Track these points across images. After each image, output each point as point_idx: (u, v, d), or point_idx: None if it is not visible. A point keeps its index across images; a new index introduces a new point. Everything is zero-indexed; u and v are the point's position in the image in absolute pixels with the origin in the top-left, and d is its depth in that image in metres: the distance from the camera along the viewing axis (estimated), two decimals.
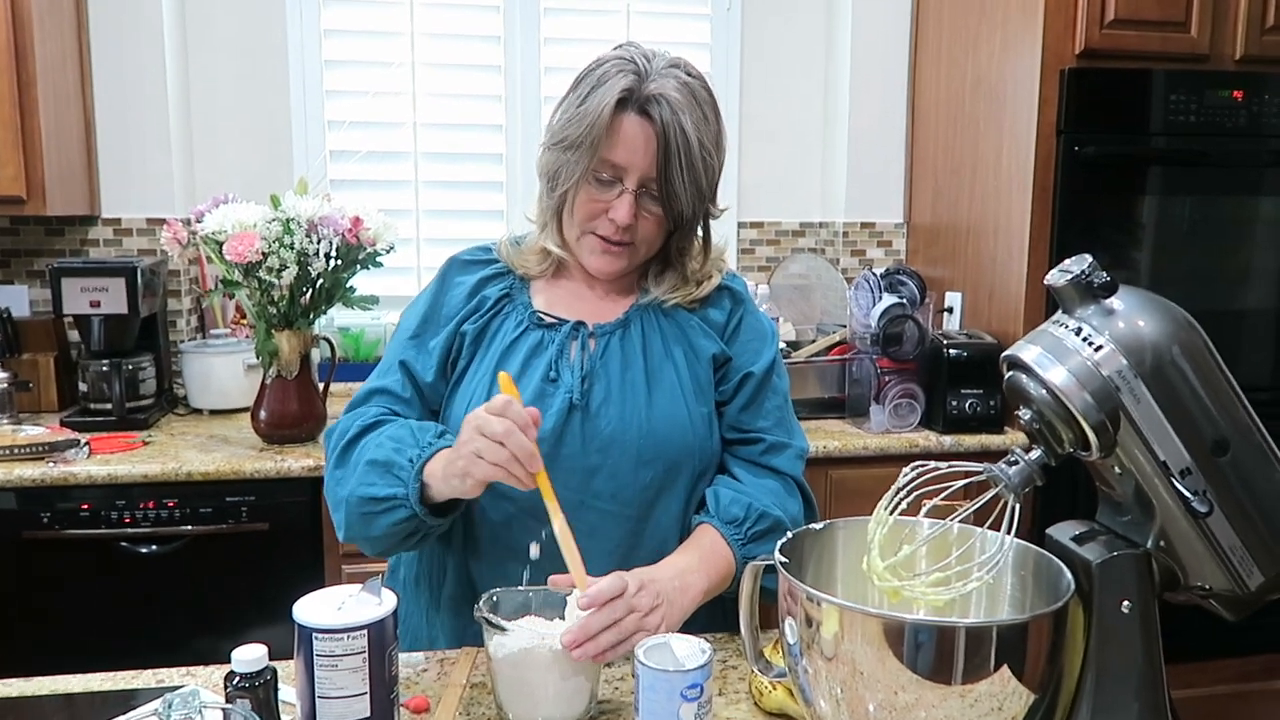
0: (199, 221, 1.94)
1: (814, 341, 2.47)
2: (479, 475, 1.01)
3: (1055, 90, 2.15)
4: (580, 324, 1.22)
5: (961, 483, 0.82)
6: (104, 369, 2.18)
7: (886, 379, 2.23)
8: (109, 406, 2.17)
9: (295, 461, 1.95)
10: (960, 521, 0.86)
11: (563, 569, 1.02)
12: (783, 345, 2.42)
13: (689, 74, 1.16)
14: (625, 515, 1.17)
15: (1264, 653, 2.36)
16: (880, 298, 2.25)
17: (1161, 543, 0.81)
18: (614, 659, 0.97)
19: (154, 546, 1.93)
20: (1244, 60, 2.21)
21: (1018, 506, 0.82)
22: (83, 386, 2.22)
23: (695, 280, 1.26)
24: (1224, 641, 2.28)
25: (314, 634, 0.86)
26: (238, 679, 0.84)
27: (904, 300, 2.24)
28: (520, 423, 0.99)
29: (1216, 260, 2.27)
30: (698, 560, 1.12)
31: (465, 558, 1.20)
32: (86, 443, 1.97)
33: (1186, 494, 0.78)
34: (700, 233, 1.26)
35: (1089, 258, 0.80)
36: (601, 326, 1.22)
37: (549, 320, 1.22)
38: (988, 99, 2.36)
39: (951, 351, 2.22)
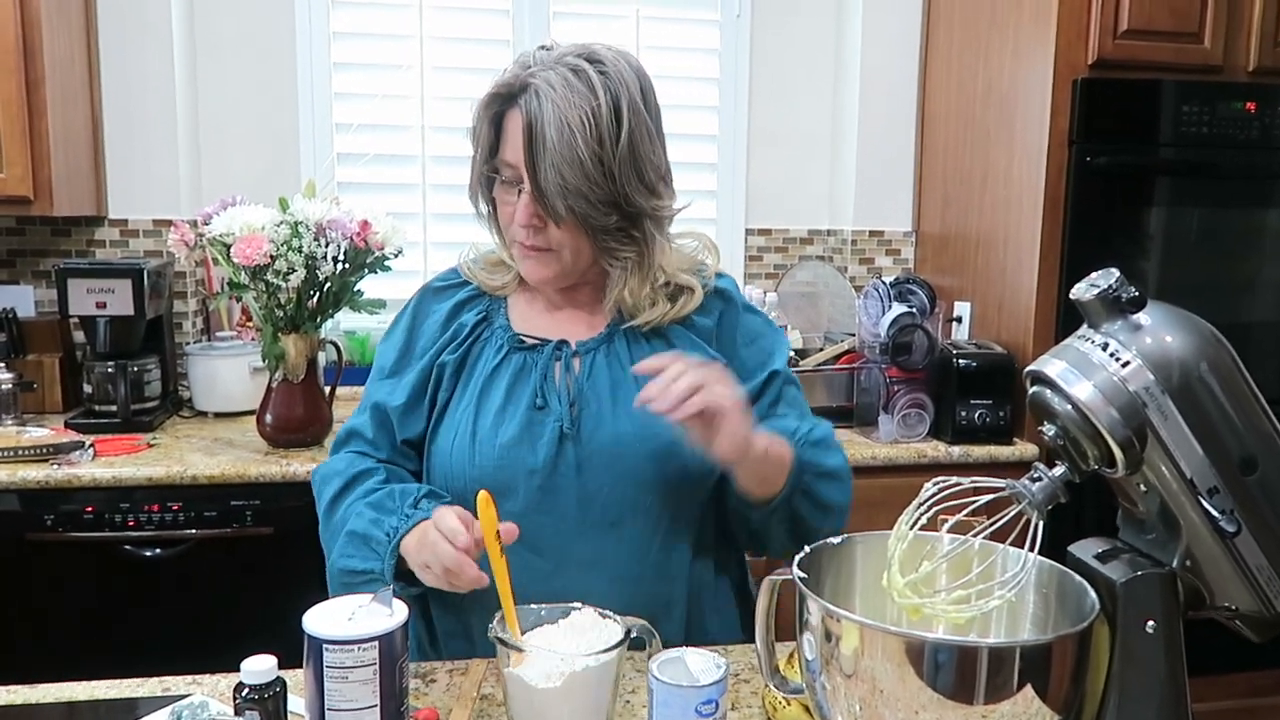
0: (206, 224, 1.93)
1: (821, 350, 2.46)
2: (429, 583, 1.03)
3: (1067, 100, 2.14)
4: (563, 342, 1.18)
5: (984, 499, 0.81)
6: (109, 371, 2.17)
7: (895, 389, 2.22)
8: (114, 408, 2.16)
9: (300, 466, 1.94)
10: (982, 538, 0.85)
11: None
12: (790, 354, 2.41)
13: (592, 60, 1.08)
14: (628, 539, 1.14)
15: (1276, 667, 2.34)
16: (890, 307, 2.24)
17: (1187, 562, 0.80)
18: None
19: (158, 550, 1.91)
20: (1257, 72, 2.21)
21: (1041, 524, 0.80)
22: (87, 388, 2.21)
23: (666, 295, 1.18)
24: (1236, 656, 2.25)
25: (324, 645, 0.85)
26: (247, 690, 0.83)
27: (913, 309, 2.23)
28: (465, 546, 0.97)
29: (1227, 272, 2.26)
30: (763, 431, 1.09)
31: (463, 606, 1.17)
32: (91, 445, 1.96)
33: (1214, 513, 0.77)
34: (642, 233, 1.14)
35: (1116, 272, 0.78)
36: (584, 344, 1.18)
37: (530, 341, 1.19)
38: (998, 108, 2.35)
39: (961, 362, 2.21)
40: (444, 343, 1.20)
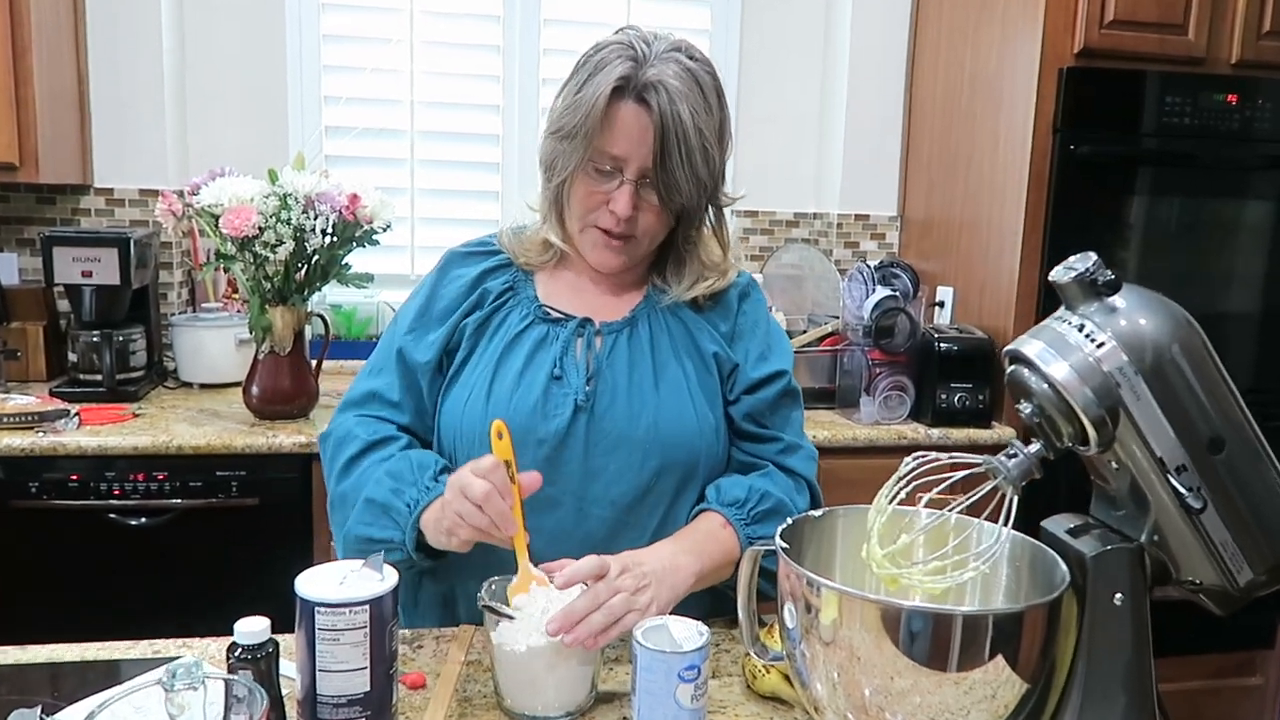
0: (194, 194, 1.93)
1: (805, 332, 2.49)
2: (463, 537, 1.02)
3: (1052, 88, 2.17)
4: (587, 320, 1.19)
5: (961, 474, 0.84)
6: (94, 340, 2.16)
7: (877, 371, 2.25)
8: (99, 377, 2.16)
9: (287, 438, 1.95)
10: (958, 512, 0.88)
11: None
12: None
13: (691, 58, 1.11)
14: (629, 522, 1.15)
15: (1242, 649, 2.40)
16: (873, 290, 2.26)
17: (1155, 537, 0.83)
18: (608, 641, 0.96)
19: (143, 519, 1.92)
20: (1240, 64, 2.23)
21: (1015, 499, 0.83)
22: (72, 357, 2.21)
23: (720, 270, 1.23)
24: (1204, 637, 2.31)
25: (316, 608, 0.86)
26: (240, 650, 0.85)
27: (897, 293, 2.26)
28: (501, 487, 0.98)
29: (1204, 262, 2.29)
30: (689, 544, 1.11)
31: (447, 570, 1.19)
32: (76, 413, 1.96)
33: (1181, 490, 0.80)
34: (712, 221, 1.23)
35: (1094, 255, 0.81)
36: (609, 325, 1.20)
37: (555, 315, 1.20)
38: (984, 94, 2.38)
39: (942, 345, 2.24)
40: (469, 306, 1.21)
